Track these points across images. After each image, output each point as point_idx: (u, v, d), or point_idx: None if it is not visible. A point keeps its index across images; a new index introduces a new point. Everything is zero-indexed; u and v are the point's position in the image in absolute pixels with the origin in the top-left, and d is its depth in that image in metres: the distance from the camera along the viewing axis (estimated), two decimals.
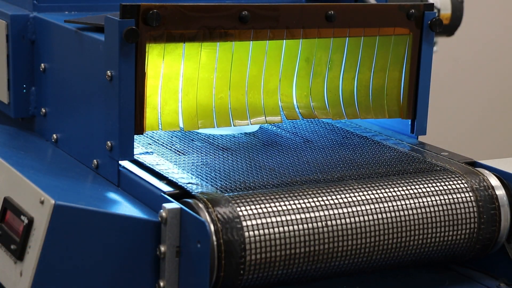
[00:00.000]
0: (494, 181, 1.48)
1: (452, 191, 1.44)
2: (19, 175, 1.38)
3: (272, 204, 1.31)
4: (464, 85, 3.92)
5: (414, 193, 1.41)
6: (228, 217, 1.27)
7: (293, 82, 1.62)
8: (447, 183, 1.45)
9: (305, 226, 1.31)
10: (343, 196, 1.36)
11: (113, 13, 1.44)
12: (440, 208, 1.42)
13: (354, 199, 1.37)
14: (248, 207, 1.29)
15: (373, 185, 1.40)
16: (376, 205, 1.37)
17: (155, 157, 1.48)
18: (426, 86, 1.65)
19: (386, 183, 1.41)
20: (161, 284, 1.28)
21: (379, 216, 1.37)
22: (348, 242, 1.34)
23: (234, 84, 1.53)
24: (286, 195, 1.33)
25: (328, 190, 1.37)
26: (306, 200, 1.34)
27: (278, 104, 1.60)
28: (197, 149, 1.57)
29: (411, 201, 1.40)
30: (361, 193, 1.38)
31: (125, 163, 1.44)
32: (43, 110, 1.68)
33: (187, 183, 1.35)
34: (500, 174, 1.49)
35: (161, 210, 1.27)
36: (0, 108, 1.76)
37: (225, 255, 1.25)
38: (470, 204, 1.44)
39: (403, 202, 1.40)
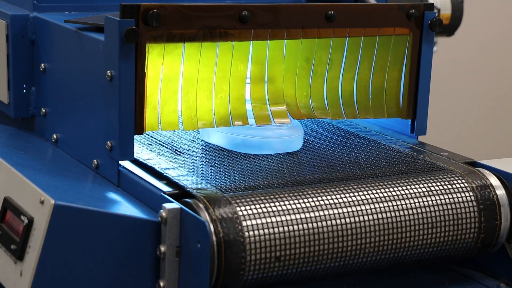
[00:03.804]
0: (494, 181, 1.48)
1: (452, 191, 1.44)
2: (19, 175, 1.38)
3: (272, 204, 1.31)
4: (464, 85, 3.92)
5: (414, 193, 1.41)
6: (228, 217, 1.27)
7: (293, 82, 1.61)
8: (447, 183, 1.45)
9: (305, 226, 1.31)
10: (343, 196, 1.36)
11: (113, 13, 1.44)
12: (440, 208, 1.42)
13: (354, 199, 1.37)
14: (248, 207, 1.29)
15: (373, 185, 1.40)
16: (376, 205, 1.37)
17: (155, 157, 1.48)
18: (426, 86, 1.65)
19: (386, 183, 1.41)
20: (161, 284, 1.28)
21: (379, 216, 1.37)
22: (348, 242, 1.34)
23: (234, 84, 1.53)
24: (286, 195, 1.33)
25: (328, 190, 1.37)
26: (306, 200, 1.34)
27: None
28: (197, 149, 1.57)
29: (411, 201, 1.40)
30: (361, 193, 1.38)
31: (125, 163, 1.44)
32: (43, 110, 1.68)
33: (187, 183, 1.35)
34: (500, 174, 1.49)
35: (161, 210, 1.27)
36: (0, 108, 1.76)
37: (225, 255, 1.25)
38: (470, 204, 1.44)
39: (403, 202, 1.40)
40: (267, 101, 1.58)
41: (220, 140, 1.57)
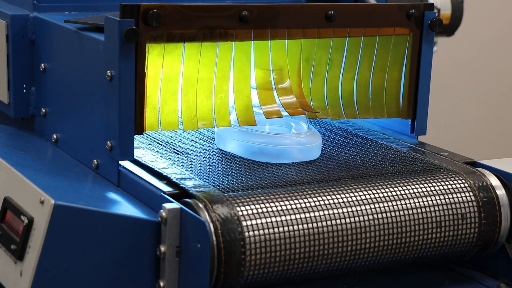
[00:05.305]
0: (494, 181, 1.48)
1: (452, 191, 1.44)
2: (19, 175, 1.38)
3: (272, 204, 1.31)
4: (464, 85, 3.92)
5: (414, 193, 1.41)
6: (228, 217, 1.27)
7: (295, 82, 1.61)
8: (447, 183, 1.45)
9: (305, 226, 1.31)
10: (343, 196, 1.36)
11: (113, 13, 1.44)
12: (440, 208, 1.42)
13: (354, 199, 1.37)
14: (248, 207, 1.29)
15: (373, 185, 1.40)
16: (376, 205, 1.37)
17: (155, 157, 1.48)
18: (426, 86, 1.65)
19: (386, 183, 1.41)
20: (161, 284, 1.28)
21: (379, 216, 1.37)
22: (348, 242, 1.34)
23: (234, 84, 1.52)
24: (286, 195, 1.33)
25: (328, 190, 1.36)
26: (306, 200, 1.34)
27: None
28: (197, 149, 1.57)
29: (411, 201, 1.40)
30: (360, 193, 1.38)
31: (125, 163, 1.44)
32: (43, 110, 1.68)
33: (186, 183, 1.35)
34: (500, 174, 1.49)
35: (161, 210, 1.27)
36: (0, 108, 1.76)
37: (225, 255, 1.25)
38: (470, 204, 1.44)
39: (403, 202, 1.40)
40: (280, 107, 1.56)
41: (236, 148, 1.54)
